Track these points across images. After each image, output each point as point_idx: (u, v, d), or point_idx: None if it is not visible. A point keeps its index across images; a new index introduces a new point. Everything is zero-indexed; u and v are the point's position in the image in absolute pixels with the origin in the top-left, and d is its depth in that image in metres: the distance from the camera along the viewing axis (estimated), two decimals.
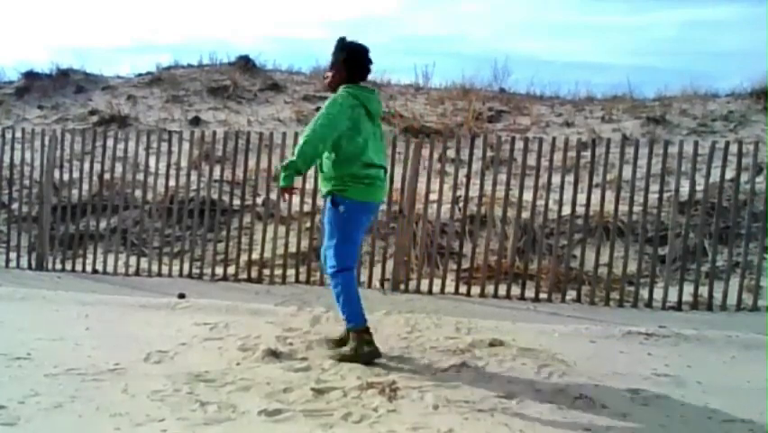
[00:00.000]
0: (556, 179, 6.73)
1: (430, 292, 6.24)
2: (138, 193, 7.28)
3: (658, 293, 5.99)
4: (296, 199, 6.47)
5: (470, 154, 6.55)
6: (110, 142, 7.44)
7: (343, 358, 3.51)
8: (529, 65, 28.61)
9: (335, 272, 3.54)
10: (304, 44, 30.60)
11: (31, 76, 12.77)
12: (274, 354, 3.60)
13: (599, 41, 32.03)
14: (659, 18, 29.14)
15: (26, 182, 7.80)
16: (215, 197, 7.27)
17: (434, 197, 6.52)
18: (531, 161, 6.40)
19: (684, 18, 30.87)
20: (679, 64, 26.66)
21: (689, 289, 5.97)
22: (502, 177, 6.37)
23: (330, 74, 3.64)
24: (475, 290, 6.22)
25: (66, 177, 7.63)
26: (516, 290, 6.19)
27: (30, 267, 7.22)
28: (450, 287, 6.28)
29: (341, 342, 3.68)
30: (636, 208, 6.38)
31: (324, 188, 3.62)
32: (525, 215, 6.65)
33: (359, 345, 3.51)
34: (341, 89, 3.54)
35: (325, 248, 3.65)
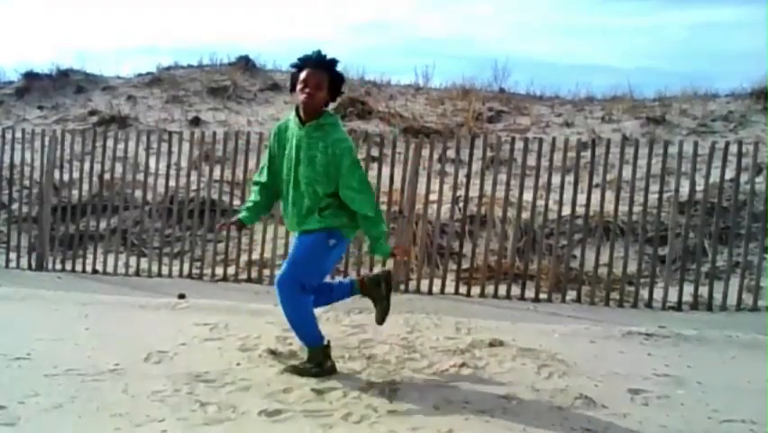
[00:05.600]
0: (556, 180, 6.73)
1: (430, 292, 6.24)
2: (138, 193, 7.28)
3: (658, 293, 5.99)
4: None
5: (470, 154, 6.55)
6: (110, 143, 7.43)
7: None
8: (534, 67, 28.68)
9: None
10: (304, 44, 30.63)
11: (31, 76, 12.78)
12: (274, 355, 3.60)
13: (604, 42, 32.09)
14: (663, 20, 29.20)
15: (26, 183, 7.80)
16: (215, 197, 7.27)
17: (434, 197, 6.52)
18: (531, 161, 6.40)
19: (687, 20, 30.92)
20: (681, 66, 26.74)
21: (689, 289, 5.97)
22: (502, 177, 6.37)
23: (313, 92, 3.13)
24: (475, 290, 6.21)
25: (66, 177, 7.63)
26: (516, 291, 6.19)
27: (30, 267, 7.22)
28: (450, 287, 6.28)
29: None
30: (636, 209, 6.38)
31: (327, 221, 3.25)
32: (525, 215, 6.65)
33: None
34: (329, 117, 3.24)
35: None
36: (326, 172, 3.16)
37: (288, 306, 3.26)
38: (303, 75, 3.16)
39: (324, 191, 3.19)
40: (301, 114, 3.21)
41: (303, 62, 3.20)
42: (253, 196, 3.45)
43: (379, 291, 3.49)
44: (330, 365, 3.35)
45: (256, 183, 3.46)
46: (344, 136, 3.25)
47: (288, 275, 3.23)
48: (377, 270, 3.57)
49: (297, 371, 3.32)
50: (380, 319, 3.52)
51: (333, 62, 3.22)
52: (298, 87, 3.17)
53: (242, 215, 3.42)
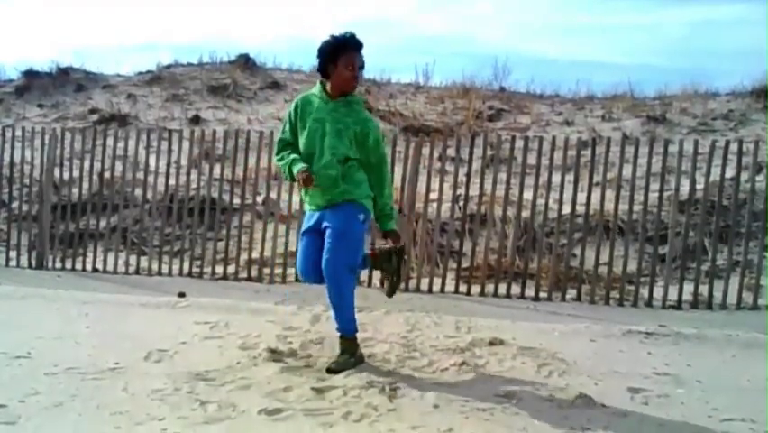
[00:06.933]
0: (556, 178, 6.73)
1: (430, 291, 6.24)
2: (138, 192, 7.28)
3: (658, 292, 6.00)
4: (295, 198, 6.47)
5: (471, 153, 6.55)
6: (110, 141, 7.44)
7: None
8: (535, 65, 28.69)
9: None
10: (304, 43, 30.64)
11: (31, 74, 12.78)
12: (274, 353, 3.60)
13: (604, 40, 32.10)
14: (663, 18, 29.19)
15: (26, 181, 7.81)
16: (215, 195, 7.28)
17: (434, 195, 6.52)
18: (531, 159, 6.40)
19: (687, 17, 30.92)
20: (682, 63, 26.73)
21: (689, 287, 5.97)
22: (502, 176, 6.37)
23: (357, 73, 3.38)
24: (475, 288, 6.22)
25: (66, 175, 7.63)
26: (516, 289, 6.19)
27: (30, 266, 7.22)
28: (450, 286, 6.28)
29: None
30: (637, 207, 6.38)
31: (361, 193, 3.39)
32: (526, 214, 6.65)
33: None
34: (355, 95, 3.43)
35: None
36: (351, 144, 3.34)
37: (337, 290, 3.32)
38: (347, 56, 3.31)
39: (348, 156, 3.33)
40: (330, 90, 3.36)
41: (342, 43, 3.32)
42: (292, 154, 3.38)
43: (390, 265, 3.57)
44: (360, 354, 3.46)
45: (285, 145, 3.46)
46: (370, 116, 3.52)
47: (337, 258, 3.28)
48: (388, 244, 3.62)
49: (339, 366, 3.33)
50: (390, 293, 3.61)
51: (361, 43, 3.40)
52: (345, 67, 3.31)
53: (306, 167, 3.28)
